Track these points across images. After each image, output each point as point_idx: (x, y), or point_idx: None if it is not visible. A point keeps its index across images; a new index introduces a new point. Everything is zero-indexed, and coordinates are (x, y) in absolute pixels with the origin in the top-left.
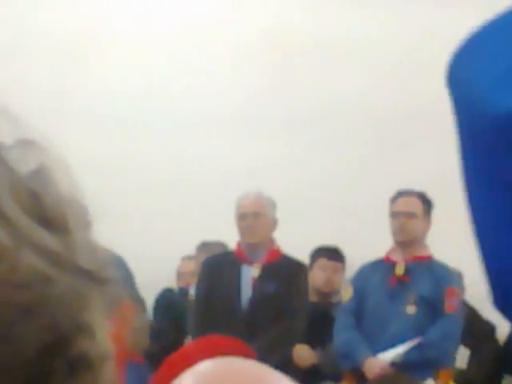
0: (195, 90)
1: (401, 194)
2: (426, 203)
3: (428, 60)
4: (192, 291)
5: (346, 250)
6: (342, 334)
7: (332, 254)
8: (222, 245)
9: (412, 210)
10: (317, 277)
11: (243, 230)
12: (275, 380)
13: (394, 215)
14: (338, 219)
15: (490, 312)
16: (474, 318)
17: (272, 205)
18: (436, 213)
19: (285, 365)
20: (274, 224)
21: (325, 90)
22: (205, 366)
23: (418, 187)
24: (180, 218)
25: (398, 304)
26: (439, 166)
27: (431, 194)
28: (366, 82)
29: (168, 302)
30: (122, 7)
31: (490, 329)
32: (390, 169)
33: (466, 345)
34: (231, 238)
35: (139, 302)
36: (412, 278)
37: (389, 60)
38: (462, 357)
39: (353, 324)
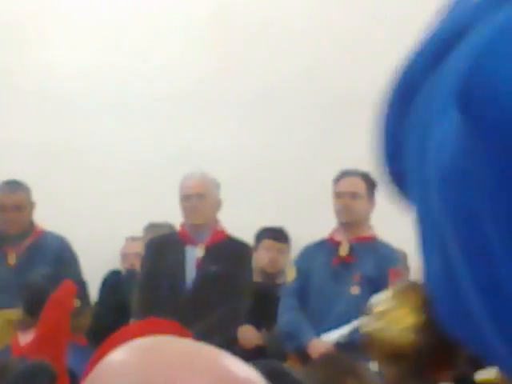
0: (144, 70)
1: (344, 175)
2: (370, 183)
3: (380, 40)
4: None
5: (291, 231)
6: (286, 315)
7: (277, 235)
8: (169, 226)
9: (356, 190)
10: (261, 257)
11: (187, 210)
12: (211, 353)
13: (338, 195)
14: (282, 200)
15: None
16: None
17: (216, 186)
18: (380, 193)
19: (230, 345)
20: (218, 205)
21: (269, 71)
22: (140, 342)
23: (363, 168)
24: (126, 199)
25: (342, 284)
26: None
27: (375, 175)
28: (315, 61)
29: (114, 283)
30: None
31: None
32: (335, 149)
33: None
34: (177, 220)
35: (81, 283)
36: (356, 258)
37: (342, 37)
38: None
39: (297, 305)
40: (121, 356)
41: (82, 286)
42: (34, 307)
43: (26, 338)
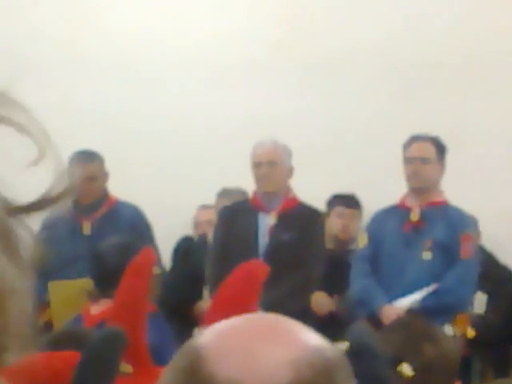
0: (213, 38)
1: (414, 140)
2: (440, 148)
3: (450, 11)
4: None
5: (363, 198)
6: (358, 281)
7: (349, 202)
8: (241, 192)
9: (426, 155)
10: (334, 224)
11: (259, 178)
12: (295, 329)
13: (408, 161)
14: (354, 166)
15: (507, 257)
16: (491, 263)
17: (288, 153)
18: (451, 158)
19: (303, 312)
20: (289, 172)
21: (341, 38)
22: (226, 322)
23: (434, 133)
24: (199, 167)
25: (413, 250)
26: (454, 112)
27: (446, 140)
28: (382, 30)
29: (187, 250)
30: None
31: (507, 274)
32: (406, 115)
33: (483, 290)
34: (251, 187)
35: (156, 251)
36: (427, 223)
37: (408, 9)
38: (480, 302)
39: (368, 271)
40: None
41: (157, 255)
42: (104, 277)
43: (97, 309)
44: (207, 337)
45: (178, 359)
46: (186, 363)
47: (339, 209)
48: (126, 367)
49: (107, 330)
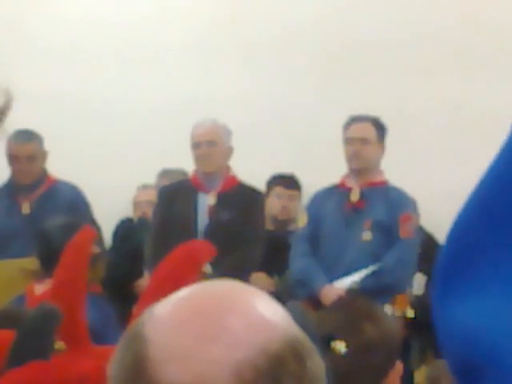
0: (155, 19)
1: (354, 120)
2: (380, 129)
3: None
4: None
5: (302, 178)
6: (298, 261)
7: (288, 182)
8: (182, 172)
9: (365, 136)
10: (273, 205)
11: (198, 158)
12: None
13: (348, 141)
14: (293, 147)
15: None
16: (431, 244)
17: (227, 133)
18: (390, 139)
19: None
20: (229, 152)
21: (281, 19)
22: (188, 288)
23: (372, 113)
24: (137, 147)
25: (353, 230)
26: (392, 92)
27: (385, 121)
28: (324, 8)
29: (127, 231)
30: None
31: None
32: (345, 96)
33: (423, 271)
34: (191, 167)
35: (97, 228)
36: (367, 204)
37: None
38: (420, 283)
39: (308, 251)
40: (166, 309)
41: (97, 234)
42: (49, 256)
43: (41, 289)
44: (153, 326)
45: (123, 350)
46: (131, 361)
47: (278, 189)
48: (59, 344)
49: (41, 307)
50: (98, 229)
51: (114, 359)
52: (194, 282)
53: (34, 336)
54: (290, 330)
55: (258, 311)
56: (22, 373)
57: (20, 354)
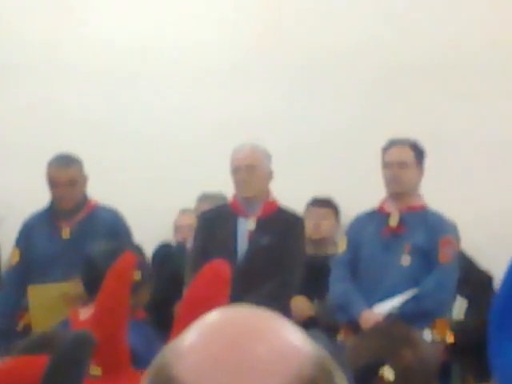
0: (192, 42)
1: (393, 144)
2: (418, 152)
3: (430, 11)
4: (189, 245)
5: (342, 202)
6: (337, 286)
7: (319, 202)
8: (222, 196)
9: (404, 160)
10: (307, 226)
11: (238, 183)
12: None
13: (387, 165)
14: (333, 171)
15: (487, 262)
16: (471, 268)
17: (267, 157)
18: (430, 162)
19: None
20: (269, 176)
21: (320, 41)
22: (211, 317)
23: (411, 137)
24: (177, 171)
25: (392, 255)
26: (432, 116)
27: (424, 144)
28: (366, 31)
29: (165, 256)
30: None
31: (487, 279)
32: (385, 119)
33: (463, 295)
34: (231, 191)
35: (141, 254)
36: (406, 228)
37: (387, 9)
38: (460, 308)
39: (348, 276)
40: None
41: (142, 256)
42: (93, 281)
43: (86, 313)
44: (185, 369)
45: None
46: None
47: (310, 209)
48: (95, 369)
49: (75, 333)
50: (142, 254)
51: None
52: (225, 299)
53: (67, 363)
54: (316, 351)
55: (285, 338)
56: None
57: (52, 381)
